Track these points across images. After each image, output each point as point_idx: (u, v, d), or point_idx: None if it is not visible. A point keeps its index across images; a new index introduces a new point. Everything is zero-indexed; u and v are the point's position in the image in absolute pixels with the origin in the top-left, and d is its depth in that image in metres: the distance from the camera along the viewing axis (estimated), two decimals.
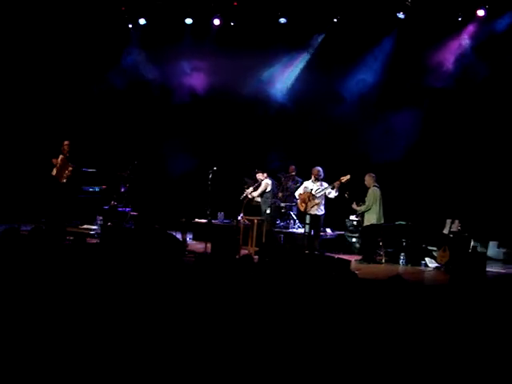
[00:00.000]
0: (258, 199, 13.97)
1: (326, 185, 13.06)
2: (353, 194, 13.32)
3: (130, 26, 16.85)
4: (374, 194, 13.06)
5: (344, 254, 13.45)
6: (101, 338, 4.91)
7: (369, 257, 12.98)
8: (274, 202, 14.06)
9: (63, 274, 6.28)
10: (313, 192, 13.02)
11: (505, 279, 11.54)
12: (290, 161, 15.11)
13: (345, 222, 14.57)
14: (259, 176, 13.92)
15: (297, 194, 13.52)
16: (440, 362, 4.50)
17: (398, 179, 14.04)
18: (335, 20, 15.08)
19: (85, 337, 4.91)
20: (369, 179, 13.21)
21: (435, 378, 4.41)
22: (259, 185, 13.86)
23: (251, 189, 13.92)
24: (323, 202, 13.13)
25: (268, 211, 13.69)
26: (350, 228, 14.45)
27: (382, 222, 13.09)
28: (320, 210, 13.08)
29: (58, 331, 4.98)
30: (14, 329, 4.98)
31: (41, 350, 4.71)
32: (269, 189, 13.80)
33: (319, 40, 15.61)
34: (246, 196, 13.83)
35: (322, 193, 13.03)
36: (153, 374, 4.50)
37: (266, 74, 15.88)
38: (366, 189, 13.21)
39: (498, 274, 11.73)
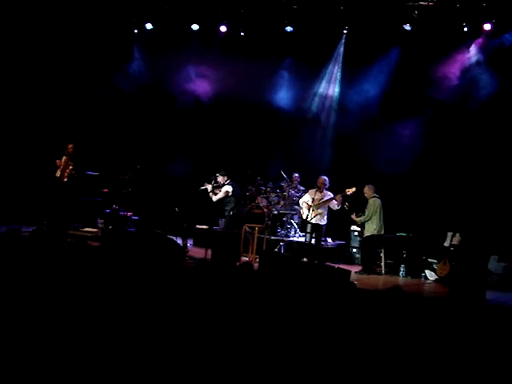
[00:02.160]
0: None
1: (330, 195, 13.03)
2: (353, 204, 13.32)
3: (136, 30, 16.91)
4: (374, 204, 13.05)
5: (344, 264, 13.43)
6: (101, 341, 4.91)
7: (369, 268, 12.97)
8: (237, 205, 13.85)
9: (64, 276, 6.29)
10: (314, 203, 12.98)
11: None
12: (293, 169, 15.08)
13: (346, 231, 14.59)
14: (220, 179, 13.82)
15: (301, 201, 13.51)
16: (436, 373, 4.50)
17: (400, 191, 14.03)
18: (345, 32, 15.16)
19: (85, 339, 4.92)
20: (368, 190, 13.19)
21: None
22: (219, 187, 13.83)
23: (210, 187, 13.81)
24: (326, 212, 13.10)
25: (231, 213, 13.68)
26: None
27: (382, 232, 13.08)
28: (323, 220, 13.05)
29: (58, 333, 4.99)
30: (15, 330, 4.99)
31: (41, 351, 4.72)
32: (229, 195, 13.70)
33: (325, 49, 15.64)
34: (206, 189, 13.85)
35: (327, 204, 13.00)
36: (152, 378, 4.51)
37: (271, 82, 15.90)
38: (367, 199, 13.21)
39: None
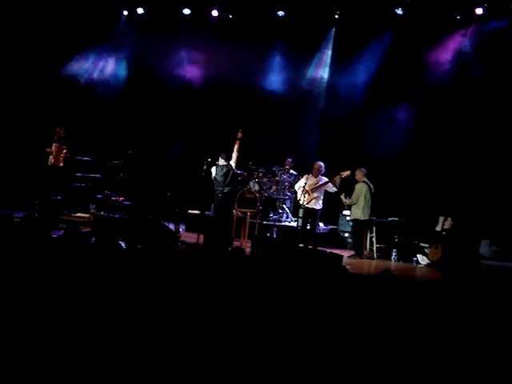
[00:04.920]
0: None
1: (325, 179, 13.04)
2: (345, 185, 13.31)
3: (127, 13, 16.83)
4: (360, 189, 13.06)
5: (336, 248, 13.47)
6: (92, 327, 4.92)
7: (360, 251, 13.02)
8: (216, 191, 12.94)
9: (55, 262, 6.28)
10: (307, 187, 12.98)
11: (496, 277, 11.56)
12: (286, 154, 15.07)
13: (337, 216, 14.62)
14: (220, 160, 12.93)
15: (296, 187, 13.49)
16: (427, 357, 4.52)
17: (392, 175, 14.05)
18: (336, 16, 15.12)
19: (78, 325, 4.93)
20: (358, 174, 13.20)
21: (422, 375, 4.44)
22: None
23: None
24: (322, 197, 13.11)
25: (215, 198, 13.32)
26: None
27: (368, 218, 13.09)
28: (318, 205, 13.06)
29: (49, 319, 4.99)
30: (6, 318, 4.99)
31: (33, 339, 4.73)
32: (213, 177, 13.15)
33: (317, 33, 15.61)
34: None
35: (323, 188, 13.01)
36: (143, 362, 4.52)
37: (262, 66, 15.86)
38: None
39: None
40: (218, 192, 12.65)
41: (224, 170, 12.61)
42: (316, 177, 13.10)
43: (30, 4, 15.62)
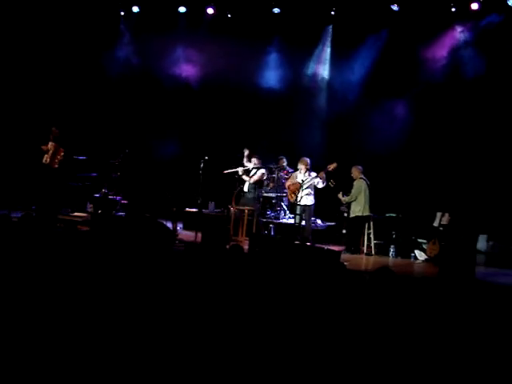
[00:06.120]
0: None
1: (314, 174, 13.03)
2: (341, 184, 13.32)
3: (123, 13, 16.82)
4: (359, 186, 13.09)
5: (334, 245, 13.47)
6: (91, 325, 4.92)
7: (352, 247, 13.04)
8: (262, 192, 14.01)
9: (53, 261, 6.28)
10: (302, 183, 12.98)
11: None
12: (280, 151, 15.08)
13: (336, 212, 14.61)
14: (255, 161, 13.55)
15: (287, 184, 13.52)
16: (425, 353, 4.53)
17: (389, 171, 14.05)
18: (332, 13, 15.13)
19: (75, 323, 4.93)
20: (355, 171, 13.23)
21: (420, 371, 4.44)
22: (251, 170, 13.69)
23: (241, 170, 13.54)
24: (313, 192, 13.10)
25: (256, 199, 13.57)
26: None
27: (367, 214, 13.10)
28: (310, 200, 13.06)
29: (47, 318, 5.00)
30: (4, 317, 4.99)
31: (31, 339, 4.73)
32: (264, 177, 13.71)
33: (313, 30, 15.59)
34: (237, 172, 13.63)
35: (311, 183, 13.00)
36: (141, 359, 4.52)
37: (258, 63, 15.87)
38: (354, 180, 13.26)
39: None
40: (260, 194, 13.82)
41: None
42: (305, 172, 13.09)
43: (27, 2, 15.61)
